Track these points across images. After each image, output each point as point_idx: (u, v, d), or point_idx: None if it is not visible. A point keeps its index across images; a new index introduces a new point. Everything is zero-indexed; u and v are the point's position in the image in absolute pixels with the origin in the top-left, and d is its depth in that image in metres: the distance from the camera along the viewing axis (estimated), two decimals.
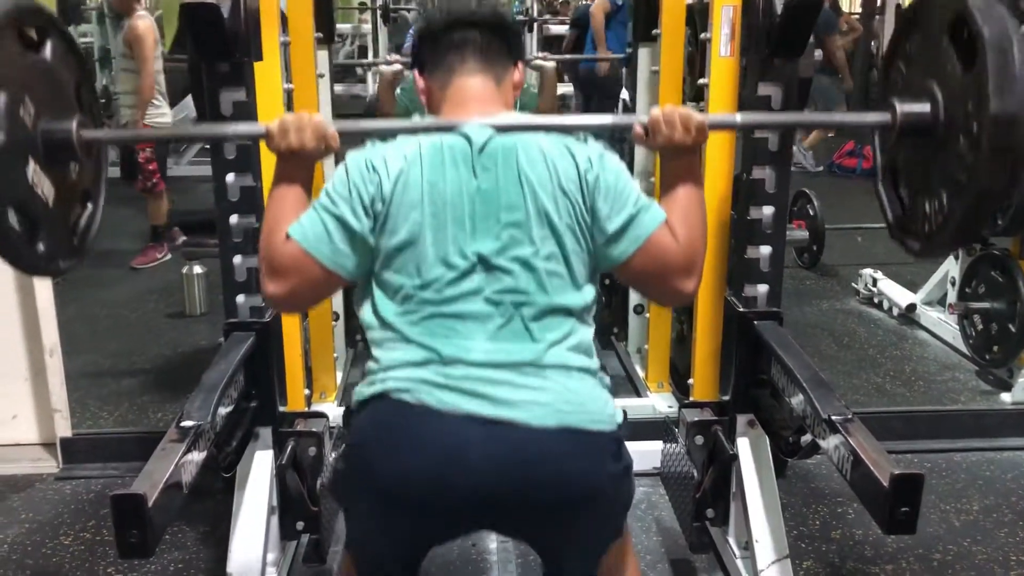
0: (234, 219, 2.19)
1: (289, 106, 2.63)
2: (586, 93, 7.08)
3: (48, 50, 1.53)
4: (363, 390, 1.44)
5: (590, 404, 1.40)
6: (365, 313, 1.47)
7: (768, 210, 2.21)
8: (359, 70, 10.57)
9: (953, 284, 3.83)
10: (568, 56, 6.96)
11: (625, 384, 3.41)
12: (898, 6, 9.43)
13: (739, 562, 2.28)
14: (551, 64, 3.22)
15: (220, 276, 2.25)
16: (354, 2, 12.42)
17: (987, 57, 1.34)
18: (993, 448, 3.06)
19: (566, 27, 8.02)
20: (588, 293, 1.46)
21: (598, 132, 1.56)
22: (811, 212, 4.88)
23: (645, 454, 2.43)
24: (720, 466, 2.25)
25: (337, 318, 3.30)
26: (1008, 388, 3.40)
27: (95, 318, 4.35)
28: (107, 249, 5.01)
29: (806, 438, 2.04)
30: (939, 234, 1.53)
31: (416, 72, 1.63)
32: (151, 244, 5.29)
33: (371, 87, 8.32)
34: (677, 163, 1.52)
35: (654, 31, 3.09)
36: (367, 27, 11.41)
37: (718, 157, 2.34)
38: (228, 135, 1.99)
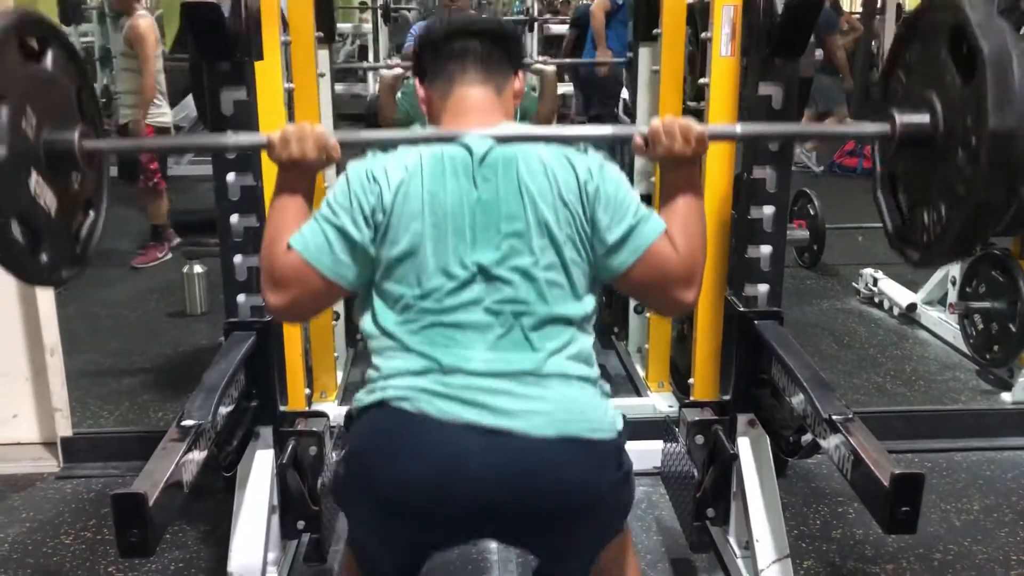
0: (235, 218, 2.19)
1: (290, 105, 2.63)
2: (586, 93, 7.08)
3: (49, 59, 1.53)
4: (363, 397, 1.45)
5: (590, 412, 1.41)
6: (366, 323, 1.47)
7: (769, 209, 2.22)
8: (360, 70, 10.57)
9: (954, 284, 3.83)
10: (569, 60, 6.97)
11: (625, 383, 3.41)
12: (899, 6, 9.44)
13: (739, 561, 2.28)
14: (551, 68, 3.23)
15: (221, 275, 2.25)
16: (354, 1, 12.42)
17: (986, 72, 1.34)
18: (994, 448, 3.06)
19: (566, 27, 8.01)
20: (588, 303, 1.46)
21: (598, 142, 1.56)
22: (812, 212, 4.89)
23: (645, 453, 2.43)
24: (720, 465, 2.25)
25: (337, 317, 3.31)
26: (1008, 388, 3.40)
27: (96, 317, 4.36)
28: (107, 248, 5.00)
29: (806, 438, 2.04)
30: (937, 245, 1.53)
31: (417, 81, 1.63)
32: (152, 243, 5.29)
33: (371, 86, 8.31)
34: (677, 174, 1.52)
35: (655, 30, 3.09)
36: (367, 26, 11.40)
37: (719, 156, 2.34)
38: (229, 145, 2.00)
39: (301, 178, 1.52)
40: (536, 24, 8.99)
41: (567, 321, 1.43)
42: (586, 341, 1.46)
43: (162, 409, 3.32)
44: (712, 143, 1.55)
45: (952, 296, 3.87)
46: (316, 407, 2.69)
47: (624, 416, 1.48)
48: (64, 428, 2.93)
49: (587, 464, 1.37)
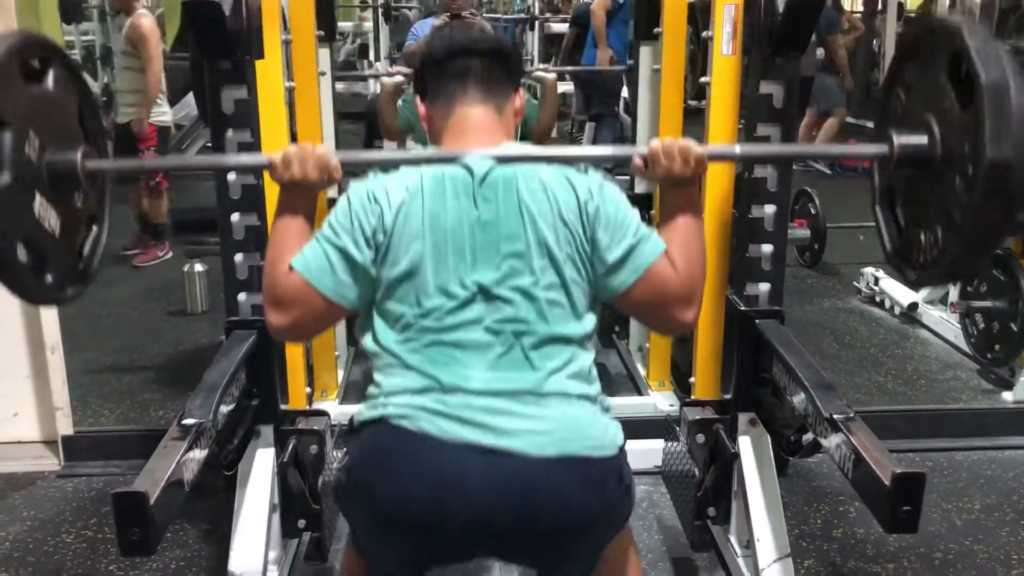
0: (235, 217, 2.19)
1: (290, 104, 2.63)
2: (586, 92, 7.09)
3: (50, 79, 1.51)
4: (364, 412, 1.45)
5: (590, 430, 1.41)
6: (367, 341, 1.48)
7: (770, 208, 2.22)
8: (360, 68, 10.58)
9: (955, 283, 3.83)
10: (569, 68, 6.99)
11: (626, 382, 3.41)
12: (900, 5, 9.43)
13: (740, 561, 2.28)
14: (552, 76, 3.22)
15: (221, 274, 2.25)
16: (355, 0, 12.43)
17: (984, 101, 1.32)
18: (995, 447, 3.06)
19: (567, 25, 8.02)
20: (588, 322, 1.46)
21: (598, 163, 1.57)
22: (813, 211, 4.88)
23: (646, 453, 2.43)
24: (721, 464, 2.25)
25: None
26: (1010, 387, 3.40)
27: (96, 316, 4.35)
28: (108, 247, 4.99)
29: (807, 437, 2.04)
30: (934, 267, 1.53)
31: (418, 98, 1.64)
32: (152, 242, 5.29)
33: (372, 86, 8.31)
34: (677, 194, 1.53)
35: (656, 29, 3.09)
36: (368, 25, 11.41)
37: None
38: (231, 166, 2.00)
39: (303, 199, 1.52)
40: (537, 23, 9.00)
41: (567, 340, 1.43)
42: (586, 359, 1.47)
43: (163, 408, 3.32)
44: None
45: (953, 295, 3.86)
46: (317, 406, 2.69)
47: (624, 436, 1.47)
48: (65, 427, 2.94)
49: (588, 483, 1.37)
